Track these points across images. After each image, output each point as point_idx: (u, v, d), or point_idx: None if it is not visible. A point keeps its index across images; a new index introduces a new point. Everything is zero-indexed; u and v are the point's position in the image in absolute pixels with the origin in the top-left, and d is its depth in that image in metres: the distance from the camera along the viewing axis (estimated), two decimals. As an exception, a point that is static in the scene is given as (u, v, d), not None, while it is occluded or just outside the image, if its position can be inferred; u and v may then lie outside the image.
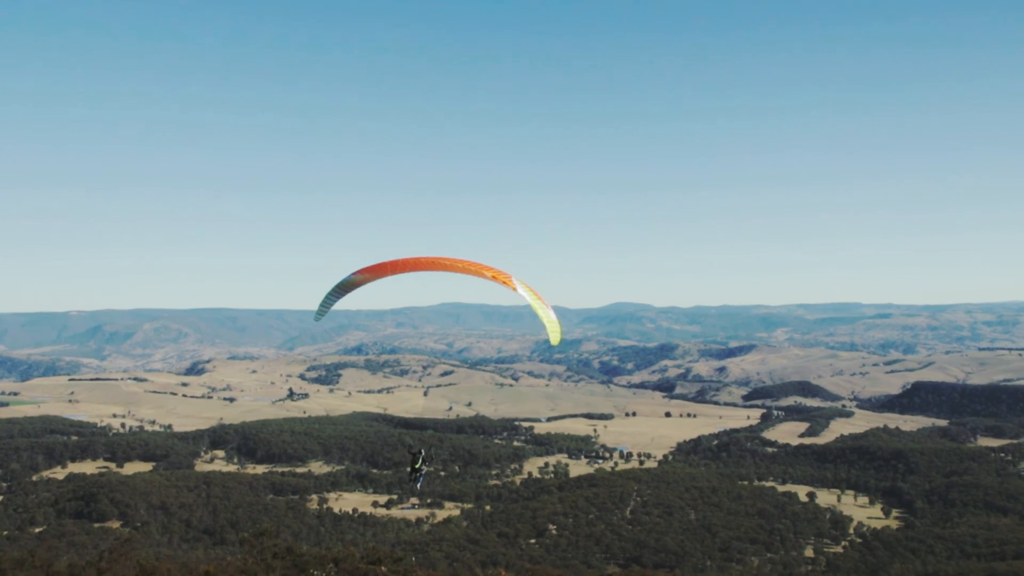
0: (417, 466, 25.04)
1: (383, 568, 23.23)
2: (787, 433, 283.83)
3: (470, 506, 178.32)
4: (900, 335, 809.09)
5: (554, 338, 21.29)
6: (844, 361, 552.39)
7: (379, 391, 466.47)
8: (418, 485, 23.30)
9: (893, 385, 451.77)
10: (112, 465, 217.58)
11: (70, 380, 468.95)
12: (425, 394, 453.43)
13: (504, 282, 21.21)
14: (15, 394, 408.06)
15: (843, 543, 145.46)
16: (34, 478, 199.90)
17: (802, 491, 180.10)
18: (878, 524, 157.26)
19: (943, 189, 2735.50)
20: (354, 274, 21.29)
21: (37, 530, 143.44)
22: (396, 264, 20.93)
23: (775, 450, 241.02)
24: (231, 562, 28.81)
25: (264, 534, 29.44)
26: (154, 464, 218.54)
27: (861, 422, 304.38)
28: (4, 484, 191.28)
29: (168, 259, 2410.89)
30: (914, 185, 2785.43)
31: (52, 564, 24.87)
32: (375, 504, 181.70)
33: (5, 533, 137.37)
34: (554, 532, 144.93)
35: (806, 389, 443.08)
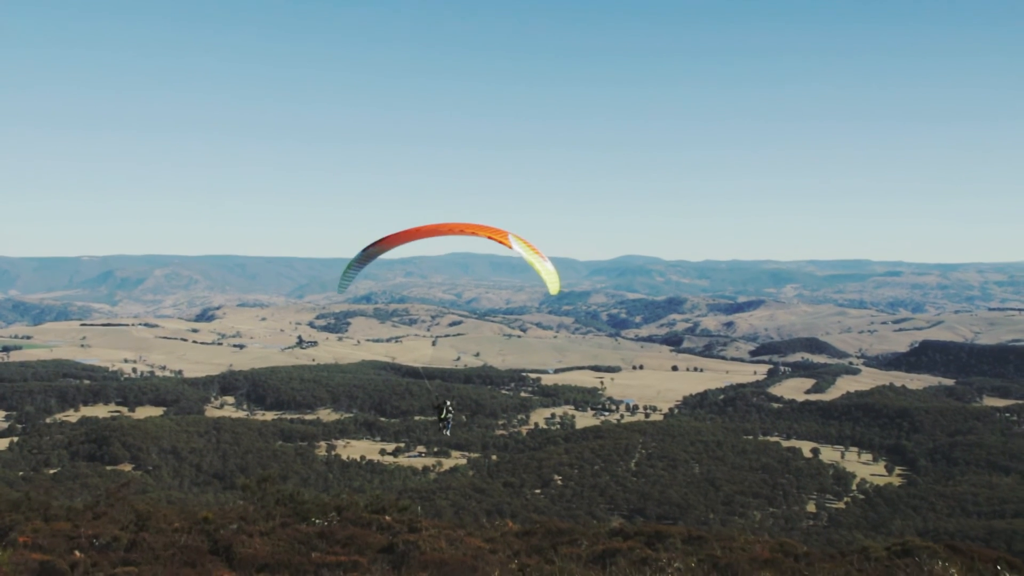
0: (444, 416, 27.02)
1: (387, 517, 24.27)
2: (793, 389, 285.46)
3: (476, 455, 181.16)
4: (910, 293, 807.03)
5: (552, 287, 22.06)
6: (852, 318, 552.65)
7: (388, 340, 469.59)
8: (447, 432, 25.21)
9: (901, 343, 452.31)
10: (124, 409, 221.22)
11: (82, 325, 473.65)
12: (433, 344, 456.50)
13: (500, 240, 21.80)
14: (28, 338, 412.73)
15: (845, 499, 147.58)
16: (48, 421, 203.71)
17: (806, 447, 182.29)
18: (881, 481, 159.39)
19: (957, 147, 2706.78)
20: (366, 248, 23.22)
21: (52, 471, 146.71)
22: (401, 235, 22.94)
23: (781, 406, 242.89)
24: (232, 508, 29.86)
25: (267, 480, 30.49)
26: (165, 409, 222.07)
27: (868, 380, 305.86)
28: (19, 426, 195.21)
29: (179, 205, 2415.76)
30: (928, 143, 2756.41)
31: (49, 507, 25.86)
32: (382, 452, 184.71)
33: (21, 474, 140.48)
34: (559, 483, 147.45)
35: (813, 346, 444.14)
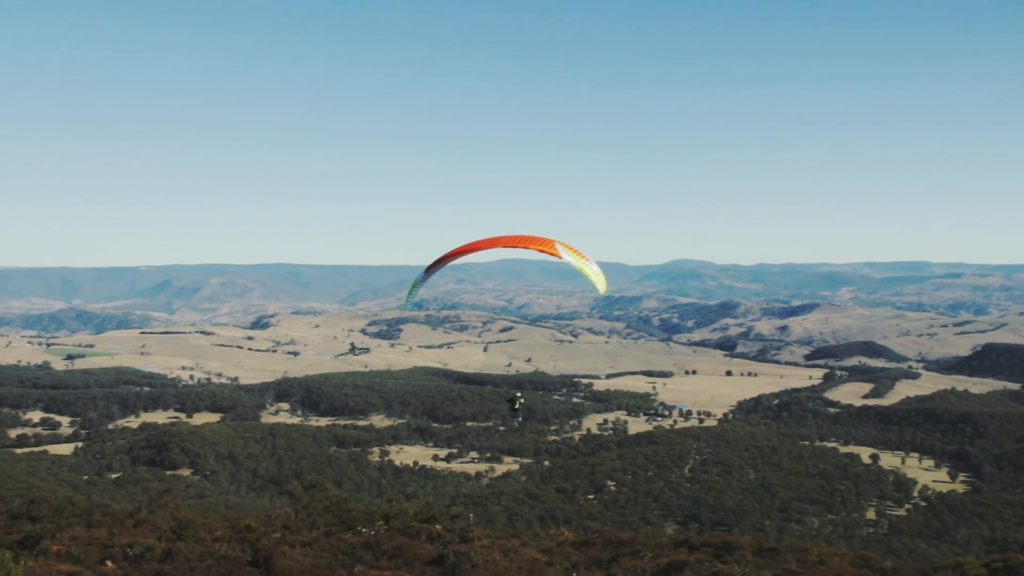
0: (516, 407, 29.41)
1: (438, 526, 23.27)
2: (850, 394, 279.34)
3: (529, 461, 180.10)
4: (971, 295, 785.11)
5: (600, 287, 22.41)
6: (911, 321, 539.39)
7: (439, 346, 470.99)
8: (518, 421, 27.68)
9: (963, 347, 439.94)
10: (182, 415, 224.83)
11: (141, 333, 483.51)
12: (485, 350, 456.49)
13: (549, 251, 22.39)
14: (91, 346, 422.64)
15: (906, 506, 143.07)
16: (110, 426, 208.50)
17: (865, 452, 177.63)
18: (944, 488, 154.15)
19: (1018, 147, 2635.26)
20: (427, 267, 24.46)
21: (114, 476, 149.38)
22: (456, 252, 23.83)
23: (838, 410, 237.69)
24: (277, 516, 29.18)
25: (314, 487, 29.70)
26: (222, 415, 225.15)
27: (928, 384, 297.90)
28: (83, 432, 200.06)
29: (234, 215, 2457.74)
30: (990, 140, 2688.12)
31: (91, 513, 25.44)
32: (435, 457, 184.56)
33: (85, 478, 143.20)
34: (613, 488, 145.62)
35: (871, 349, 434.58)
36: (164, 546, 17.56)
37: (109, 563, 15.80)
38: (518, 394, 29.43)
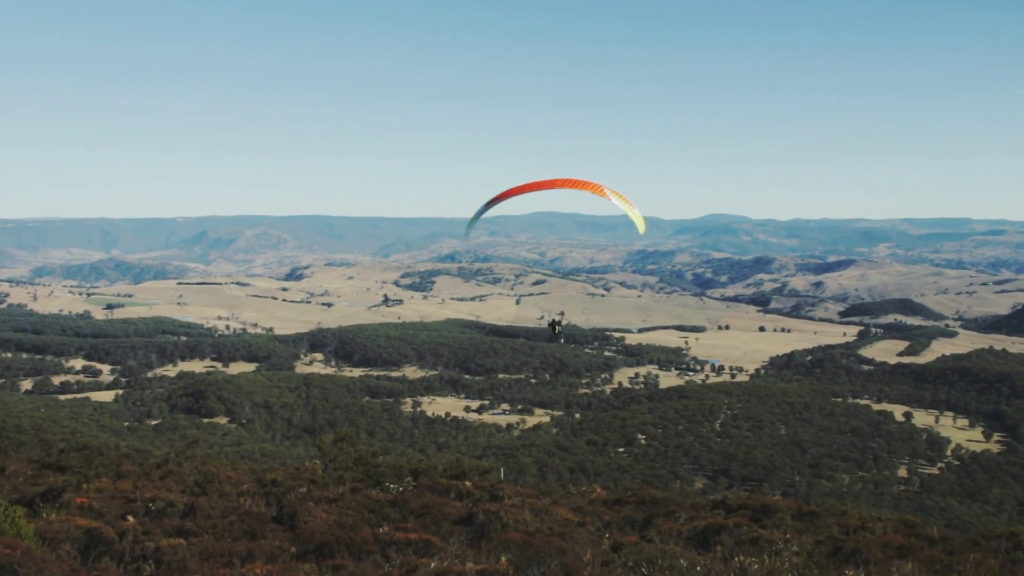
0: (557, 332, 32.56)
1: (467, 483, 23.02)
2: (885, 351, 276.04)
3: (560, 413, 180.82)
4: (1014, 253, 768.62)
5: (640, 227, 25.31)
6: (950, 279, 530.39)
7: (471, 299, 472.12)
8: (561, 340, 30.04)
9: (1003, 305, 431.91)
10: (218, 365, 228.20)
11: (178, 284, 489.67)
12: (517, 303, 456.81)
13: (599, 193, 24.22)
14: (130, 296, 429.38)
15: (939, 464, 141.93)
16: (149, 375, 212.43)
17: (898, 410, 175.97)
18: (978, 447, 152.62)
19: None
20: (487, 203, 26.40)
21: (153, 423, 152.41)
22: (513, 190, 25.74)
23: (871, 368, 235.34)
24: (305, 468, 29.09)
25: (343, 439, 29.46)
26: (257, 364, 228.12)
27: (965, 343, 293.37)
28: (123, 380, 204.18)
29: (268, 167, 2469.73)
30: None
31: (120, 464, 25.48)
32: (467, 409, 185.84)
33: (126, 424, 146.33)
34: (643, 442, 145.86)
35: (907, 307, 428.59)
36: (187, 500, 17.43)
37: (130, 518, 15.66)
38: (557, 318, 32.49)
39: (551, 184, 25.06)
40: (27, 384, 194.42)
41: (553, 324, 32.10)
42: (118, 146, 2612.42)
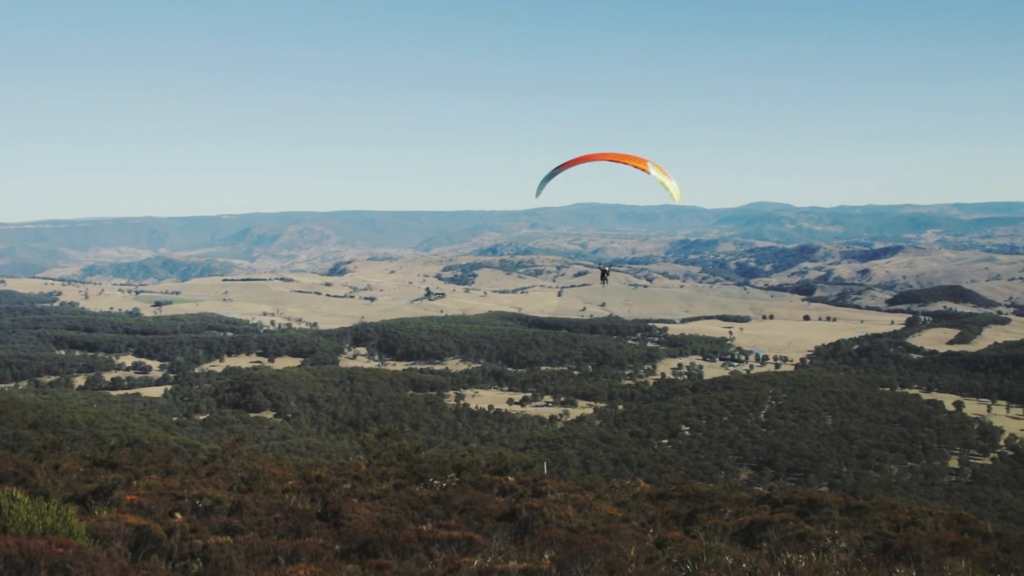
0: (605, 278, 34.70)
1: (510, 478, 22.99)
2: (934, 339, 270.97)
3: (603, 405, 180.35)
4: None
5: (676, 196, 26.24)
6: (1001, 265, 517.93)
7: (513, 291, 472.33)
8: (605, 283, 34.10)
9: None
10: (264, 360, 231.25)
11: (224, 280, 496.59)
12: (559, 294, 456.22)
13: (640, 167, 25.50)
14: (177, 293, 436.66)
15: (992, 455, 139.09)
16: (196, 370, 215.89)
17: (948, 400, 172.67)
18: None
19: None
20: (552, 170, 27.92)
21: (201, 417, 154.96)
22: (572, 161, 27.27)
23: (920, 356, 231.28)
24: (349, 464, 29.28)
25: (387, 435, 29.57)
26: (301, 359, 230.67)
27: (1018, 329, 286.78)
28: (172, 375, 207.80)
29: (310, 163, 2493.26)
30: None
31: (170, 461, 25.87)
32: (510, 401, 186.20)
33: (175, 419, 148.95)
34: (687, 433, 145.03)
35: (957, 294, 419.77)
36: (234, 498, 17.65)
37: (178, 515, 15.89)
38: (606, 268, 34.66)
39: (598, 157, 26.67)
40: (80, 380, 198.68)
41: (604, 273, 34.55)
42: (165, 146, 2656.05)
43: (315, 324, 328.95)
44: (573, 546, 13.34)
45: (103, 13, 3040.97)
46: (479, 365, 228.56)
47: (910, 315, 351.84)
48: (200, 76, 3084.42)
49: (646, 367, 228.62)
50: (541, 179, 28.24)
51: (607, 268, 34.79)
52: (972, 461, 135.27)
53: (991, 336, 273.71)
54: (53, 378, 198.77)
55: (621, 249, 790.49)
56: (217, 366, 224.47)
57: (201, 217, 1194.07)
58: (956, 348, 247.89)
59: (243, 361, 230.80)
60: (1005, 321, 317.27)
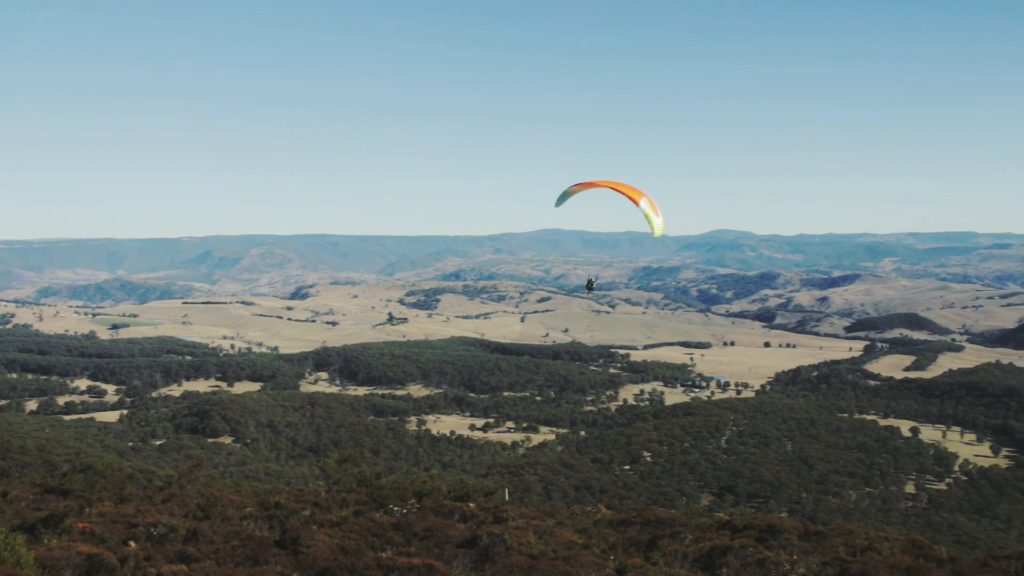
0: (591, 288, 36.15)
1: (472, 505, 22.87)
2: (891, 366, 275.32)
3: (565, 431, 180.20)
4: (1020, 267, 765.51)
5: (656, 231, 28.41)
6: (956, 293, 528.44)
7: (476, 316, 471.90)
8: (591, 291, 35.51)
9: (1009, 319, 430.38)
10: (223, 384, 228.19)
11: (183, 303, 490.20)
12: (522, 320, 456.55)
13: (632, 199, 27.76)
14: (135, 316, 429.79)
15: (947, 480, 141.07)
16: (154, 395, 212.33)
17: (905, 426, 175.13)
18: (986, 462, 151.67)
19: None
20: (565, 190, 29.63)
21: (158, 443, 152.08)
22: (588, 183, 29.03)
23: (878, 383, 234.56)
24: (308, 491, 28.90)
25: (347, 460, 29.27)
26: (262, 384, 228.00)
27: (972, 357, 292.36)
28: (128, 399, 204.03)
29: (273, 186, 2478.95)
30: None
31: (124, 487, 25.27)
32: (472, 427, 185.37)
33: (131, 444, 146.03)
34: (648, 459, 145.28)
35: (913, 322, 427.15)
36: (189, 525, 17.31)
37: (132, 544, 15.56)
38: (592, 279, 36.54)
39: (601, 184, 28.76)
40: (32, 405, 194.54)
41: (590, 282, 36.13)
42: (124, 167, 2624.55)
43: (276, 348, 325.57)
44: (534, 572, 13.28)
45: (61, 36, 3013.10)
46: (441, 390, 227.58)
47: (868, 342, 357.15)
48: (162, 99, 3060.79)
49: (608, 393, 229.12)
50: (559, 195, 30.05)
51: (594, 279, 36.45)
52: (928, 486, 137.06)
53: (946, 363, 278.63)
54: (4, 402, 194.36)
55: (584, 275, 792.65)
56: (175, 390, 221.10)
57: (161, 239, 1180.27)
58: (912, 375, 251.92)
59: (202, 385, 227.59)
60: (959, 348, 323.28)
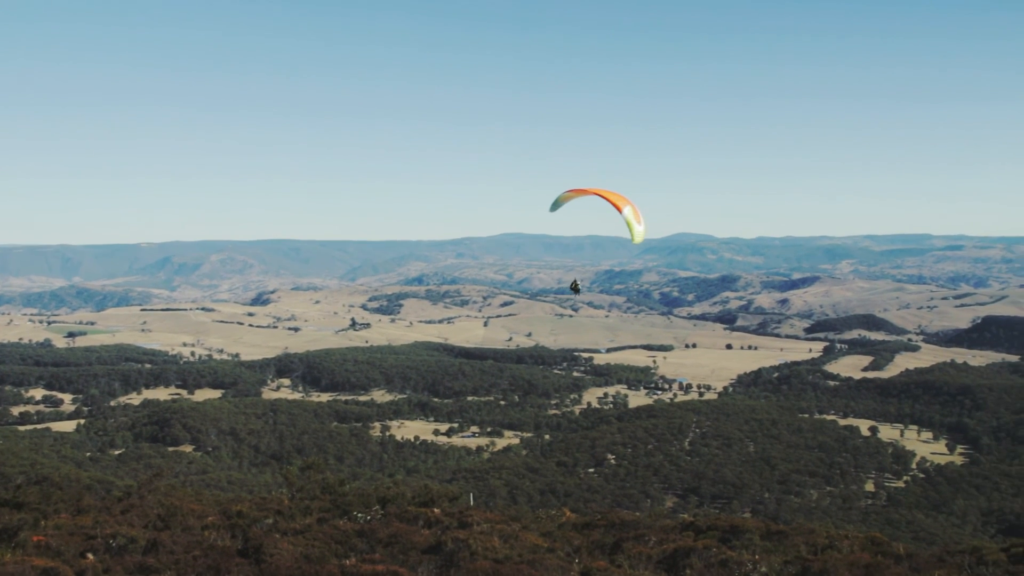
0: (578, 290, 36.92)
1: (436, 510, 22.80)
2: (850, 367, 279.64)
3: (529, 435, 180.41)
4: (972, 268, 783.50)
5: (635, 239, 29.41)
6: (911, 294, 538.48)
7: (439, 321, 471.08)
8: (577, 293, 36.79)
9: (963, 319, 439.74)
10: (184, 392, 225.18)
11: (142, 310, 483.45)
12: (485, 324, 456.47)
13: (616, 207, 28.67)
14: (92, 323, 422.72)
15: (905, 478, 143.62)
16: (112, 403, 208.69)
17: (864, 425, 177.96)
18: (942, 460, 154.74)
19: (1019, 117, 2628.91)
20: (558, 196, 30.84)
21: (116, 452, 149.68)
22: (580, 191, 30.10)
23: (837, 383, 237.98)
24: (271, 499, 28.60)
25: (311, 467, 29.05)
26: (223, 391, 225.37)
27: (927, 357, 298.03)
28: (85, 409, 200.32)
29: (233, 191, 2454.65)
30: (989, 113, 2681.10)
31: (81, 499, 24.82)
32: (436, 432, 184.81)
33: (88, 454, 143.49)
34: (613, 462, 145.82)
35: (871, 322, 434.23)
36: (149, 536, 17.03)
37: (90, 556, 15.27)
38: (576, 281, 37.30)
39: (591, 192, 29.81)
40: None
41: (574, 284, 37.01)
42: (80, 172, 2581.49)
43: (237, 355, 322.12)
44: (498, 577, 13.30)
45: (7, 39, 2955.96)
46: (405, 396, 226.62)
47: (827, 343, 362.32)
48: (117, 104, 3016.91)
49: (572, 396, 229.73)
50: (553, 201, 31.19)
51: (578, 281, 37.45)
52: (887, 484, 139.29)
53: (903, 363, 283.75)
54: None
55: (547, 279, 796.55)
56: (134, 399, 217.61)
57: (119, 245, 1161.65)
58: (870, 375, 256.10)
59: (162, 393, 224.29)
60: (915, 348, 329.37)
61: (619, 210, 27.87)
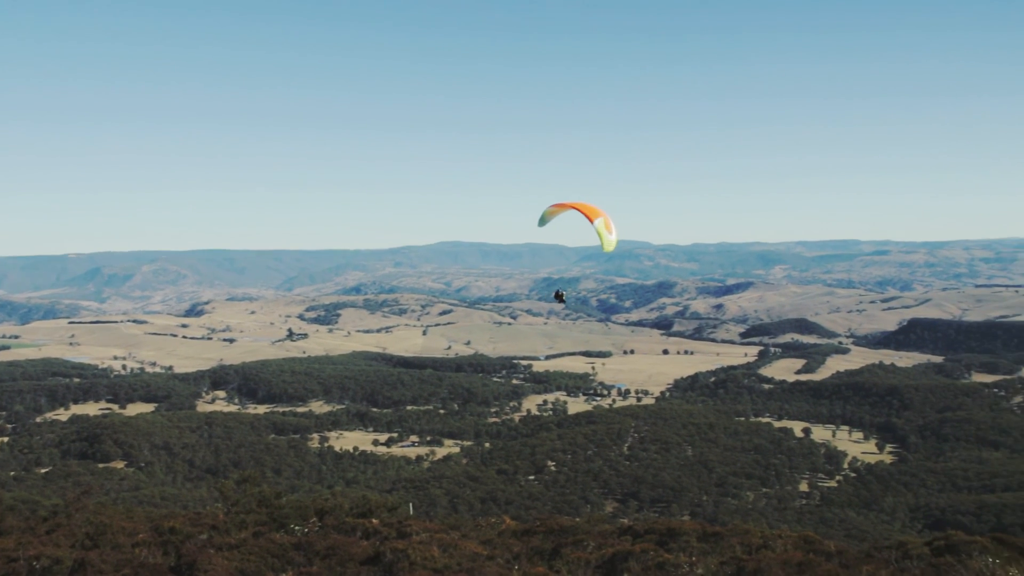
0: (563, 300, 37.93)
1: (375, 521, 22.60)
2: (783, 370, 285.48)
3: (469, 443, 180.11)
4: (898, 272, 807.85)
5: (605, 247, 30.12)
6: (841, 298, 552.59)
7: (378, 330, 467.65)
8: (563, 305, 37.48)
9: (889, 322, 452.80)
10: (115, 407, 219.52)
11: (70, 323, 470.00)
12: (424, 333, 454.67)
13: (589, 219, 29.83)
14: (16, 337, 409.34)
15: (837, 477, 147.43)
16: (38, 420, 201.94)
17: (798, 427, 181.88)
18: (872, 459, 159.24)
19: (942, 126, 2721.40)
20: (545, 210, 31.55)
21: (43, 471, 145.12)
22: (564, 205, 30.86)
23: (771, 387, 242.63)
24: (205, 514, 28.02)
25: (247, 481, 28.52)
26: (156, 405, 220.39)
27: (857, 359, 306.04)
28: (9, 426, 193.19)
29: (165, 200, 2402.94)
30: (913, 122, 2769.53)
31: (4, 519, 23.94)
32: (375, 442, 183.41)
33: (12, 474, 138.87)
34: (553, 468, 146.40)
35: (803, 326, 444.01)
36: (76, 555, 16.50)
37: (12, 580, 14.74)
38: (562, 291, 38.44)
39: (571, 206, 30.74)
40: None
41: (560, 294, 38.46)
42: (2, 182, 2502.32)
43: (171, 367, 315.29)
44: (438, 586, 13.23)
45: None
46: (343, 406, 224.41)
47: (761, 347, 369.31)
48: (44, 113, 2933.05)
49: (512, 404, 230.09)
50: (540, 216, 32.00)
51: (563, 291, 38.68)
52: (820, 484, 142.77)
53: (834, 365, 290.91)
54: None
55: (485, 287, 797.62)
56: (62, 415, 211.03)
57: (45, 256, 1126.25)
58: (803, 378, 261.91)
59: (91, 408, 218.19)
60: (845, 351, 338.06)
61: (591, 220, 28.96)
